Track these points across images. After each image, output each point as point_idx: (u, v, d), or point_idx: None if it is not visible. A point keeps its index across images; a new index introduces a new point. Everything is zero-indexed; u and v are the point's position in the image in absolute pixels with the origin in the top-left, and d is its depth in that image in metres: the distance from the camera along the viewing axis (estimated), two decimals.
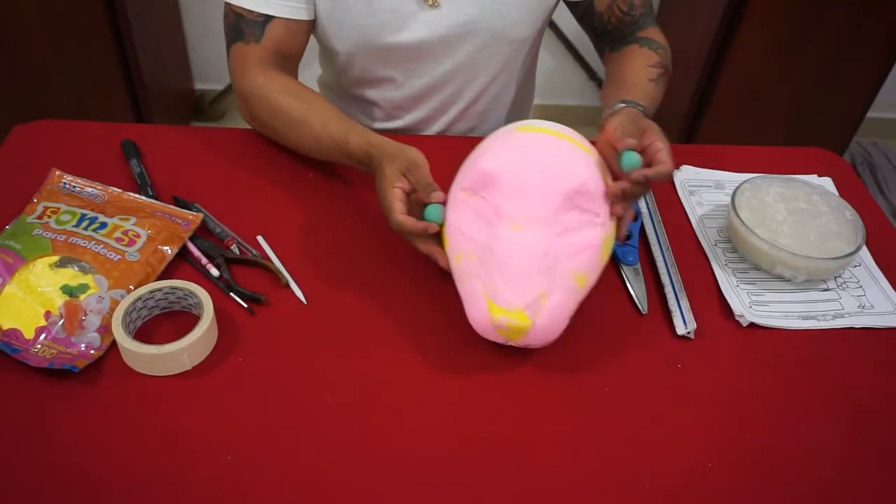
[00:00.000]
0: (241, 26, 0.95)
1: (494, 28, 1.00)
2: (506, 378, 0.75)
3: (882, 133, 2.58)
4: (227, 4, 0.95)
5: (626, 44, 1.03)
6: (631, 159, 0.75)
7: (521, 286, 0.71)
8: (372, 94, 1.10)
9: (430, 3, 0.96)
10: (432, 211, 0.76)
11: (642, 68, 0.98)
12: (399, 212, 0.77)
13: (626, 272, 0.87)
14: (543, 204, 0.72)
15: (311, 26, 1.00)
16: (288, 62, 0.99)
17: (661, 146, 0.77)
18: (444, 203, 0.77)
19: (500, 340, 0.74)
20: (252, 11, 0.94)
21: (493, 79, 1.08)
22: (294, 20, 0.96)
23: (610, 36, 1.06)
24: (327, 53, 1.08)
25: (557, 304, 0.72)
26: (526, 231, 0.72)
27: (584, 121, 2.37)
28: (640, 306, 0.83)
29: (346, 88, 1.12)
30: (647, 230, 0.93)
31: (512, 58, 1.08)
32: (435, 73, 1.04)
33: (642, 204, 0.96)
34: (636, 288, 0.85)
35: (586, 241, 0.73)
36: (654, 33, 1.03)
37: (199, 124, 2.47)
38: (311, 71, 1.11)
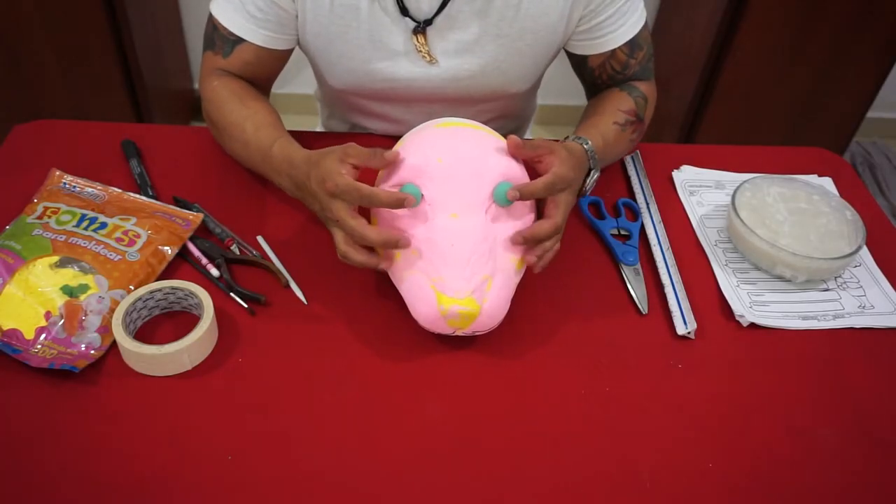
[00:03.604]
0: (214, 38, 0.93)
1: (493, 84, 0.97)
2: (507, 378, 0.75)
3: (882, 133, 2.58)
4: (210, 11, 0.93)
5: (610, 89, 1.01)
6: (501, 192, 0.74)
7: (467, 272, 0.72)
8: (363, 119, 1.09)
9: (428, 59, 0.93)
10: (410, 187, 0.74)
11: (611, 111, 0.95)
12: (366, 187, 0.72)
13: (626, 272, 0.87)
14: (476, 191, 0.74)
15: (288, 53, 0.96)
16: (256, 85, 0.96)
17: (548, 178, 0.74)
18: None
19: (447, 332, 0.74)
20: (225, 28, 0.91)
21: (490, 120, 1.07)
22: (267, 48, 0.92)
23: (599, 89, 1.02)
24: (318, 76, 1.06)
25: (501, 287, 0.73)
26: (463, 219, 0.73)
27: None
28: (640, 306, 0.83)
29: (340, 108, 1.11)
30: (647, 230, 0.93)
31: (511, 104, 1.07)
32: (431, 118, 1.00)
33: (642, 204, 0.96)
34: (636, 288, 0.85)
35: (518, 225, 0.75)
36: (643, 85, 1.00)
37: (199, 124, 2.45)
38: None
